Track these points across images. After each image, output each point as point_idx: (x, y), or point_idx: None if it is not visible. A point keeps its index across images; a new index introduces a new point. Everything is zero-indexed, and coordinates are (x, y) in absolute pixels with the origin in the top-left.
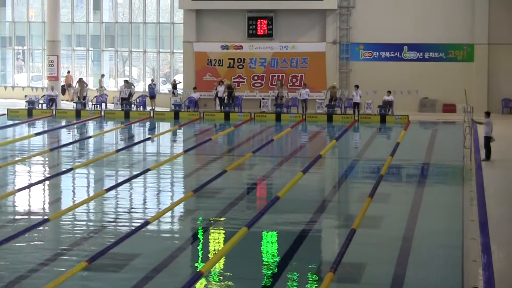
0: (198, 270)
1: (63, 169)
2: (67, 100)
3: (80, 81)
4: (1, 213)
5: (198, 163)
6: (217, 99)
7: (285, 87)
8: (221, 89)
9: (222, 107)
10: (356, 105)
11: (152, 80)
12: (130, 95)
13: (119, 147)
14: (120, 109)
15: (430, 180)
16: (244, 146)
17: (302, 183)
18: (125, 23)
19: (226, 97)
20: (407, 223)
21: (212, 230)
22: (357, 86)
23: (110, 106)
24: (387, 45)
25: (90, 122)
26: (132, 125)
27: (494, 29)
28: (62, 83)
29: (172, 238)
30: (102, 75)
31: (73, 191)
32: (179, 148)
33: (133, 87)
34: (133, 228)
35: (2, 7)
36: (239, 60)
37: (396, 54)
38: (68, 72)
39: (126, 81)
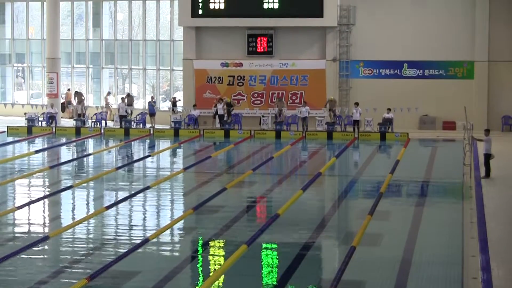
0: None
1: (63, 187)
2: (67, 118)
3: (77, 93)
4: (1, 230)
5: (198, 181)
6: (217, 117)
7: (284, 102)
8: (220, 106)
9: (222, 125)
10: (356, 123)
11: (152, 98)
12: (129, 112)
13: (119, 165)
14: (120, 126)
15: (430, 197)
16: (244, 164)
17: (302, 201)
18: (125, 41)
19: (226, 115)
20: (407, 241)
21: (212, 248)
22: (357, 104)
23: (110, 124)
24: (387, 63)
25: (90, 139)
26: (132, 142)
27: (494, 46)
28: (62, 101)
29: (172, 256)
30: (108, 93)
31: (73, 209)
32: (179, 165)
33: (133, 101)
34: (133, 245)
35: (2, 24)
36: (239, 78)
37: (396, 71)
38: (68, 89)
39: (127, 94)
